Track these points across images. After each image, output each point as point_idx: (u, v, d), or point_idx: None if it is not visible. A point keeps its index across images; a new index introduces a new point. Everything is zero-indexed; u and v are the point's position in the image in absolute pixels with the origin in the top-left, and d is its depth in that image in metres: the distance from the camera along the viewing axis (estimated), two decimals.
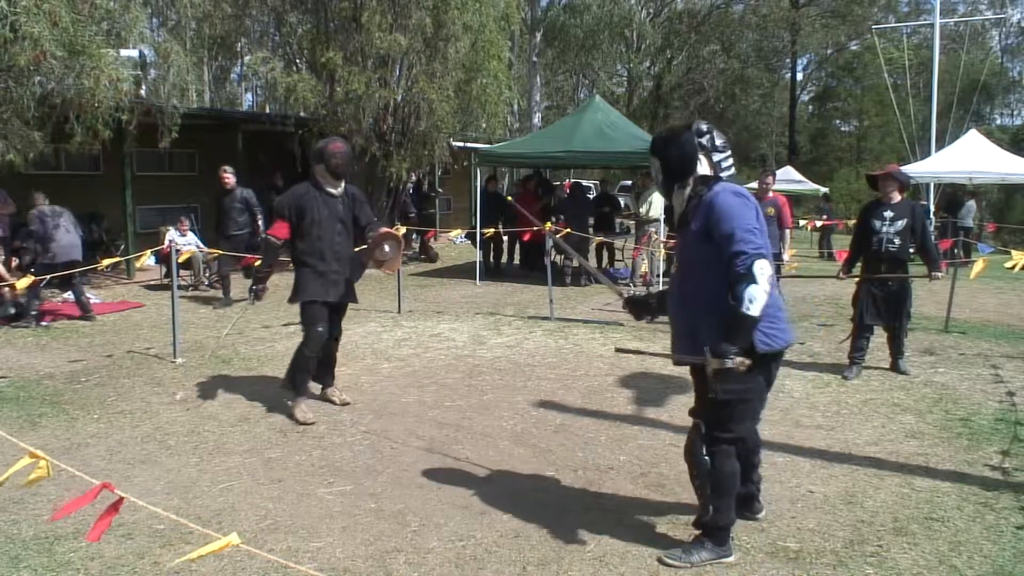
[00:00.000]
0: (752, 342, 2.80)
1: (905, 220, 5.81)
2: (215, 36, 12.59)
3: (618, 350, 4.25)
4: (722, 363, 2.71)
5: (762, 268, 2.68)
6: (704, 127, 3.09)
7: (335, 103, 11.98)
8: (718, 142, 3.04)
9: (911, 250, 6.01)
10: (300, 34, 12.96)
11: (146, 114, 9.71)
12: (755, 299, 2.66)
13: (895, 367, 6.10)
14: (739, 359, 2.71)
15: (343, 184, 5.00)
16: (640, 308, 3.35)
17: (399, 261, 5.22)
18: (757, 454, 3.38)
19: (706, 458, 3.01)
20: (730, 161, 3.08)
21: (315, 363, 5.07)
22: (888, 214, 5.86)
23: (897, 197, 5.91)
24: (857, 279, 6.15)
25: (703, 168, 3.00)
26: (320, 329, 4.93)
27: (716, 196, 2.89)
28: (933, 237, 15.51)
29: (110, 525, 2.03)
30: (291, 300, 5.02)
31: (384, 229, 5.18)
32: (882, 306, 5.95)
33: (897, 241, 5.82)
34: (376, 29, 11.53)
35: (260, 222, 9.31)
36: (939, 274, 5.98)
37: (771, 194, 8.01)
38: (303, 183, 5.02)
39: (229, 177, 9.42)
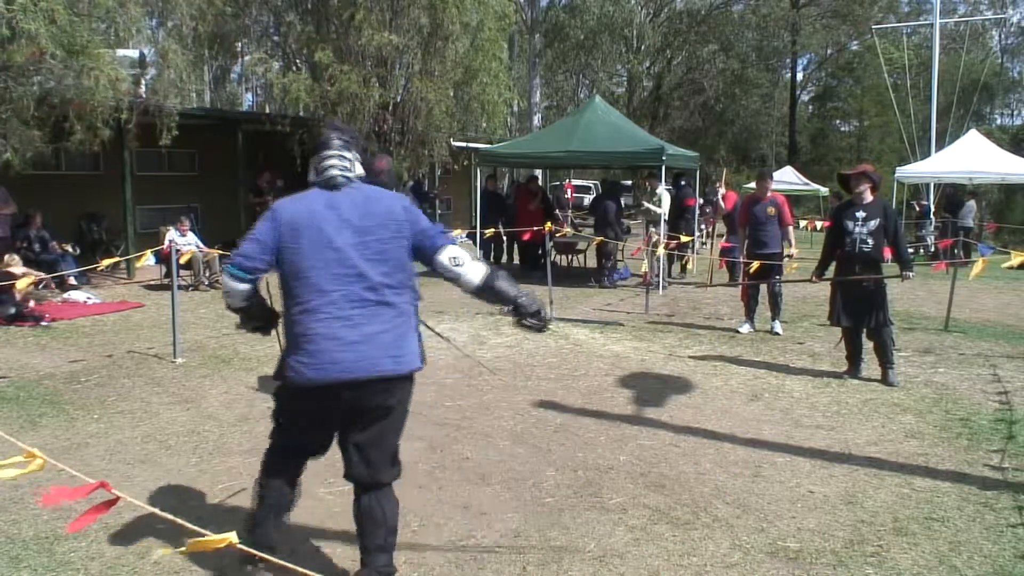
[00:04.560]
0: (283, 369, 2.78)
1: (878, 220, 5.77)
2: (213, 35, 12.58)
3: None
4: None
5: (230, 272, 2.71)
6: (331, 126, 2.84)
7: (331, 103, 11.97)
8: (334, 142, 2.72)
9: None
10: (298, 33, 12.96)
11: (145, 113, 9.71)
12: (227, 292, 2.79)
13: (885, 379, 5.88)
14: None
15: None
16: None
17: None
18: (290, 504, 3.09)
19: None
20: (327, 163, 2.69)
21: None
22: (860, 214, 5.81)
23: (869, 197, 5.87)
24: (830, 281, 6.11)
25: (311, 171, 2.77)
26: None
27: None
28: (933, 237, 15.68)
29: (95, 520, 2.03)
30: None
31: None
32: (857, 307, 5.85)
33: (871, 241, 5.77)
34: (369, 27, 11.51)
35: None
36: (910, 274, 5.89)
37: (770, 194, 8.01)
38: None
39: None
